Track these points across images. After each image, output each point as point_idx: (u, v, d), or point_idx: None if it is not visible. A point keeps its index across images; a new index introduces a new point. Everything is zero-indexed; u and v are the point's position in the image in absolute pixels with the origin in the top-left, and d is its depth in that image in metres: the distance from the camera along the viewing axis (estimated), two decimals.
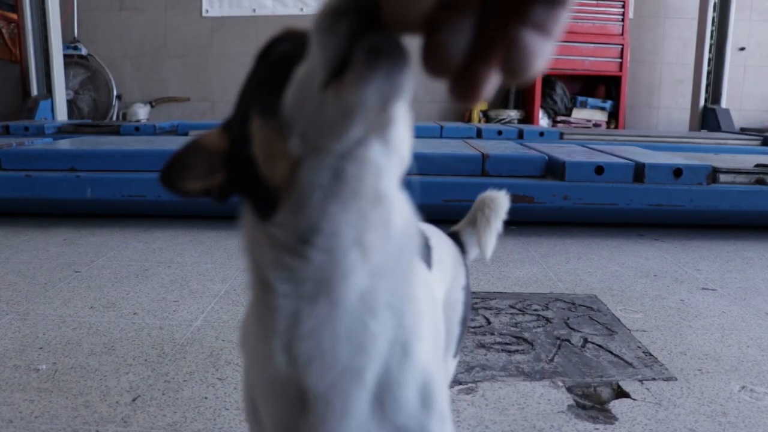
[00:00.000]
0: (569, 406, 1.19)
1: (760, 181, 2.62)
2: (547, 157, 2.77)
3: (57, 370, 1.32)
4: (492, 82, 0.32)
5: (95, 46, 5.97)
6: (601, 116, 5.90)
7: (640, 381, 1.29)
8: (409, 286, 0.49)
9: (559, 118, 5.88)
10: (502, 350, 1.44)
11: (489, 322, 1.61)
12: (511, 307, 1.74)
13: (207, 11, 6.15)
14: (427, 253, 0.69)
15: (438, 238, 0.82)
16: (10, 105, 5.27)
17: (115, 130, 4.14)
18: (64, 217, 2.82)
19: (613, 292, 1.89)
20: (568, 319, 1.65)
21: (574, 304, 1.77)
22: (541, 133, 4.24)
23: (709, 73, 5.36)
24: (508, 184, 2.54)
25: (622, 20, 5.73)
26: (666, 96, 6.27)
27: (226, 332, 1.53)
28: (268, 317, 0.47)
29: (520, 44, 0.30)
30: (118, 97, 5.96)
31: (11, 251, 2.29)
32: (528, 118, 5.87)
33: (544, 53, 0.30)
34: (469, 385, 1.27)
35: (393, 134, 0.41)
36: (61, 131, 4.16)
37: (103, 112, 5.88)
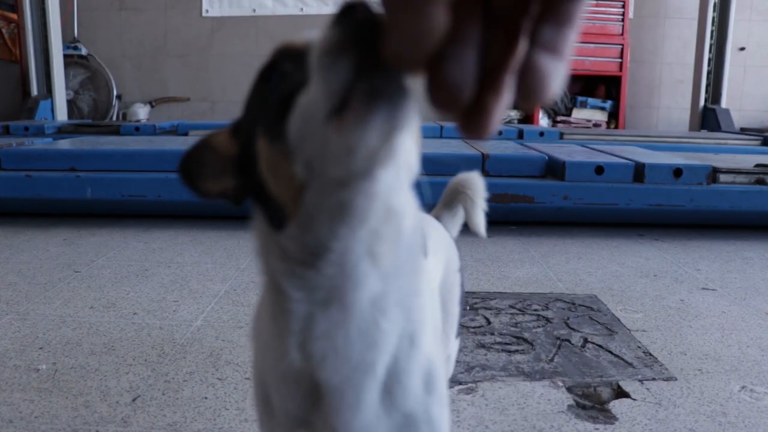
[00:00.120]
0: (569, 406, 1.19)
1: (760, 181, 2.62)
2: (547, 157, 2.77)
3: (57, 370, 1.32)
4: (502, 113, 0.31)
5: (95, 46, 5.98)
6: (601, 116, 5.90)
7: (640, 381, 1.29)
8: (416, 282, 0.50)
9: (559, 118, 5.89)
10: (502, 350, 1.44)
11: (489, 322, 1.61)
12: (511, 307, 1.74)
13: (207, 11, 6.15)
14: (423, 241, 0.70)
15: (430, 224, 0.85)
16: (10, 105, 5.27)
17: (115, 130, 4.14)
18: (64, 217, 2.82)
19: (613, 292, 1.89)
20: (568, 319, 1.65)
21: (574, 304, 1.77)
22: (541, 133, 4.24)
23: (709, 73, 5.36)
24: (508, 184, 2.56)
25: (622, 20, 5.73)
26: (666, 96, 6.27)
27: (226, 332, 1.53)
28: (283, 317, 0.48)
29: (535, 67, 0.30)
30: (118, 97, 5.96)
31: (11, 251, 2.29)
32: (528, 118, 5.87)
33: (558, 75, 0.30)
34: (469, 385, 1.27)
35: (399, 154, 0.40)
36: (61, 131, 4.16)
37: (103, 112, 5.89)
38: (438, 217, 0.99)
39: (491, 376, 1.31)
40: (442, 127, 4.24)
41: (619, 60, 5.76)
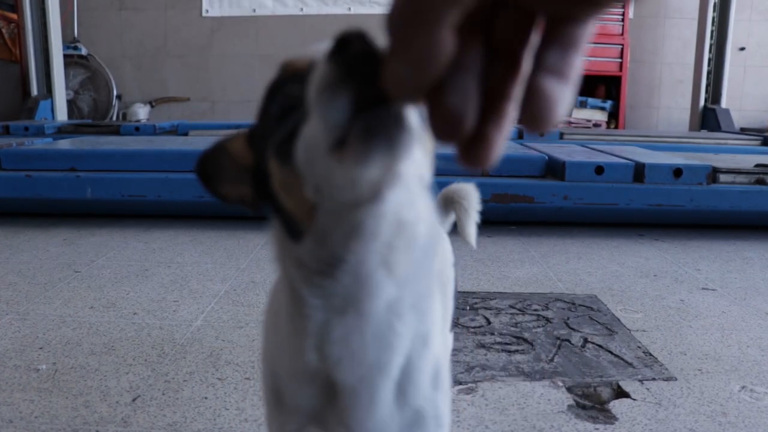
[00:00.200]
0: (569, 406, 1.19)
1: (760, 181, 2.62)
2: (547, 157, 2.77)
3: (57, 370, 1.32)
4: (503, 143, 0.31)
5: (95, 46, 5.98)
6: (601, 116, 5.90)
7: (640, 381, 1.29)
8: (430, 285, 0.51)
9: None
10: (502, 350, 1.44)
11: (489, 322, 1.61)
12: (511, 307, 1.74)
13: (207, 11, 6.15)
14: (437, 242, 0.71)
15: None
16: (10, 105, 5.27)
17: (115, 130, 4.14)
18: (64, 217, 2.82)
19: (613, 292, 1.89)
20: (568, 319, 1.65)
21: (574, 304, 1.77)
22: (541, 133, 4.24)
23: (709, 73, 5.36)
24: (508, 184, 2.56)
25: (622, 20, 5.73)
26: (666, 96, 6.27)
27: (226, 332, 1.53)
28: (300, 320, 0.49)
29: (541, 92, 0.29)
30: (118, 97, 5.96)
31: (11, 251, 2.29)
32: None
33: (565, 99, 0.29)
34: (469, 385, 1.27)
35: (405, 175, 0.41)
36: (61, 131, 4.16)
37: (103, 112, 5.89)
38: None
39: (491, 376, 1.31)
40: None
41: (619, 60, 5.76)
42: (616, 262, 2.24)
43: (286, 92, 0.43)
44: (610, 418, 1.15)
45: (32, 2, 4.84)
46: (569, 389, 1.25)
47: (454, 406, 1.16)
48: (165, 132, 4.33)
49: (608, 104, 5.92)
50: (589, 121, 5.87)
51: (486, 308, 1.72)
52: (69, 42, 5.67)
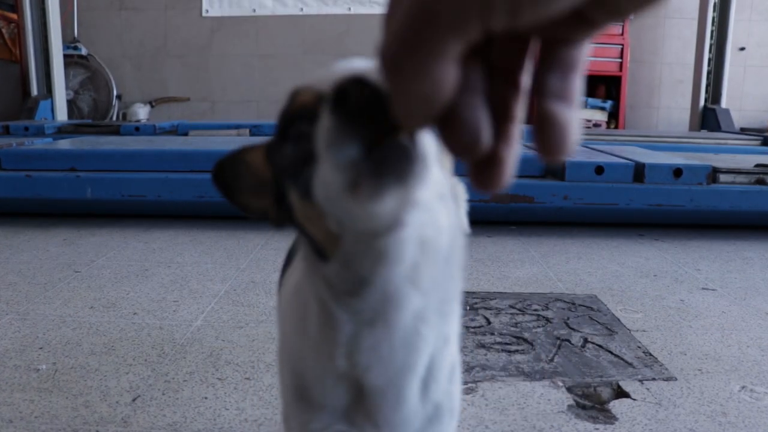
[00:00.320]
0: (569, 406, 1.19)
1: (760, 181, 2.62)
2: None
3: (57, 370, 1.32)
4: (514, 164, 0.31)
5: (95, 46, 5.98)
6: (601, 116, 5.91)
7: (640, 381, 1.29)
8: (454, 289, 0.52)
9: None
10: (502, 350, 1.44)
11: (489, 322, 1.61)
12: (511, 307, 1.74)
13: (207, 11, 6.15)
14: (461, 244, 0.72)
15: None
16: (10, 105, 5.27)
17: (115, 130, 4.14)
18: (64, 217, 2.82)
19: (613, 292, 1.89)
20: (568, 319, 1.65)
21: (574, 304, 1.77)
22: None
23: (709, 73, 5.36)
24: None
25: (622, 20, 5.73)
26: (666, 96, 6.27)
27: (226, 332, 1.53)
28: (330, 330, 0.50)
29: (551, 118, 0.29)
30: (118, 97, 5.96)
31: (11, 251, 2.29)
32: (528, 118, 5.87)
33: (575, 123, 0.29)
34: (469, 385, 1.27)
35: (423, 195, 0.41)
36: (61, 131, 4.16)
37: (103, 112, 5.89)
38: None
39: (491, 376, 1.31)
40: None
41: (619, 60, 5.76)
42: (616, 262, 2.24)
43: (299, 130, 0.43)
44: (610, 418, 1.15)
45: (32, 2, 4.84)
46: (569, 389, 1.25)
47: None
48: (165, 132, 4.33)
49: (608, 104, 5.92)
50: (589, 121, 5.87)
51: (486, 308, 1.72)
52: (69, 42, 5.67)
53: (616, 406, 1.19)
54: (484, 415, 1.15)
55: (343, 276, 0.46)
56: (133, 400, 1.19)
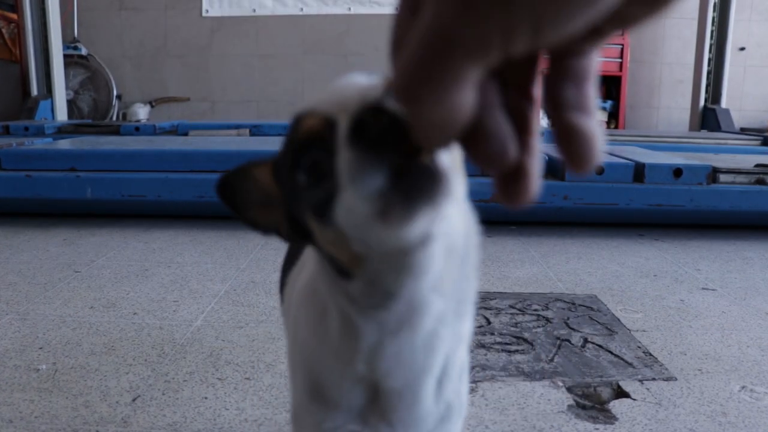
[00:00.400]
0: (569, 406, 1.19)
1: (760, 181, 2.62)
2: (547, 157, 2.77)
3: (57, 370, 1.32)
4: (539, 177, 0.30)
5: (95, 46, 5.98)
6: (601, 116, 5.91)
7: (640, 381, 1.29)
8: (470, 288, 0.52)
9: None
10: (502, 350, 1.44)
11: (489, 322, 1.61)
12: (511, 307, 1.74)
13: (207, 11, 6.15)
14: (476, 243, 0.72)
15: None
16: (10, 105, 5.27)
17: (115, 130, 4.14)
18: (64, 217, 2.82)
19: (613, 292, 1.89)
20: (568, 319, 1.65)
21: (574, 304, 1.77)
22: (542, 133, 4.24)
23: (709, 73, 5.36)
24: None
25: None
26: (666, 96, 6.27)
27: (226, 332, 1.53)
28: (351, 337, 0.50)
29: (574, 129, 0.28)
30: (118, 97, 5.96)
31: (11, 251, 2.29)
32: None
33: (598, 131, 0.29)
34: (469, 385, 1.27)
35: (449, 209, 0.41)
36: (61, 131, 4.16)
37: (103, 112, 5.89)
38: None
39: (491, 376, 1.31)
40: None
41: (619, 60, 5.76)
42: (616, 262, 2.24)
43: (311, 159, 0.43)
44: (610, 418, 1.15)
45: (32, 2, 4.84)
46: (569, 389, 1.25)
47: None
48: (165, 132, 4.33)
49: (608, 104, 5.92)
50: None
51: (486, 308, 1.72)
52: (69, 42, 5.67)
53: (616, 406, 1.19)
54: (484, 415, 1.15)
55: (369, 292, 0.46)
56: (133, 400, 1.19)
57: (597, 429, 1.11)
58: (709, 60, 5.36)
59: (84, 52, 5.82)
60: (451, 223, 0.44)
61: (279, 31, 6.13)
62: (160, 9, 6.17)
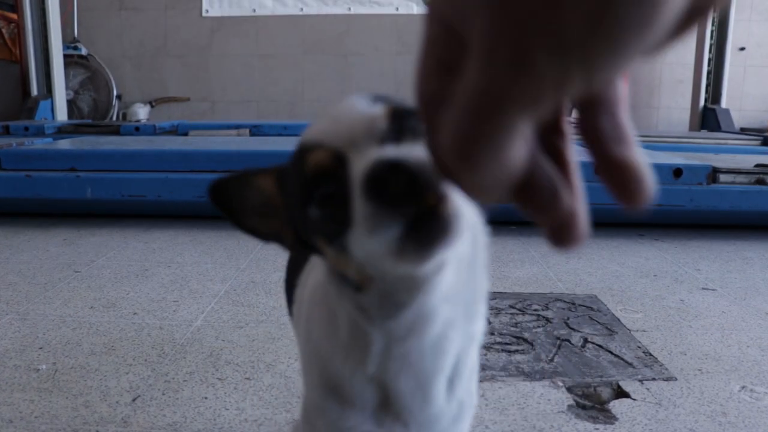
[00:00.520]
0: (569, 406, 1.19)
1: (760, 181, 2.62)
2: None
3: (57, 370, 1.32)
4: (587, 213, 0.29)
5: (95, 46, 5.98)
6: None
7: (640, 381, 1.29)
8: (478, 290, 0.53)
9: None
10: (502, 350, 1.44)
11: (489, 322, 1.61)
12: (511, 307, 1.74)
13: (207, 11, 6.15)
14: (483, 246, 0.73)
15: None
16: (10, 105, 5.26)
17: (115, 130, 4.14)
18: (64, 217, 2.82)
19: (613, 292, 1.89)
20: (568, 319, 1.65)
21: (574, 304, 1.77)
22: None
23: (709, 73, 5.37)
24: None
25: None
26: (666, 96, 6.27)
27: (226, 332, 1.53)
28: (361, 342, 0.51)
29: (620, 164, 0.27)
30: (118, 97, 5.96)
31: (11, 251, 2.29)
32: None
33: (644, 162, 0.27)
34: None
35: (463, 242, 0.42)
36: (61, 131, 4.16)
37: (103, 112, 5.89)
38: None
39: (491, 376, 1.31)
40: None
41: None
42: (616, 262, 2.24)
43: (323, 194, 0.43)
44: (610, 418, 1.15)
45: (32, 2, 4.84)
46: (569, 389, 1.25)
47: None
48: (165, 132, 4.33)
49: None
50: None
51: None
52: (69, 42, 5.67)
53: (616, 406, 1.19)
54: (484, 415, 1.15)
55: (379, 304, 0.47)
56: (133, 400, 1.19)
57: (597, 429, 1.11)
58: (709, 60, 5.36)
59: (84, 52, 5.82)
60: (466, 245, 0.46)
61: (279, 31, 6.13)
62: (160, 9, 6.17)
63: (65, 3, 5.52)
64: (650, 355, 1.43)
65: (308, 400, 0.60)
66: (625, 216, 2.73)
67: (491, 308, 1.72)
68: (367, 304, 0.48)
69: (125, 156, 2.79)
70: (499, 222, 2.73)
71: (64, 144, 3.30)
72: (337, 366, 0.54)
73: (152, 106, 6.21)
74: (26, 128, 4.01)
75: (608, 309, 1.73)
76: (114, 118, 5.91)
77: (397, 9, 6.00)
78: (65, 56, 5.34)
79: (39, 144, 3.27)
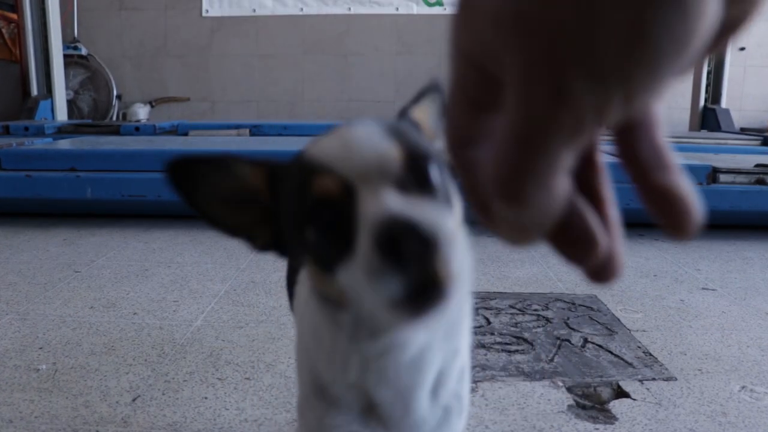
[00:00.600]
0: (569, 406, 1.19)
1: (760, 181, 2.62)
2: None
3: (57, 370, 1.32)
4: (624, 247, 0.28)
5: (95, 46, 5.98)
6: None
7: (640, 381, 1.29)
8: (464, 311, 0.53)
9: None
10: (502, 350, 1.44)
11: (489, 322, 1.61)
12: (511, 307, 1.74)
13: (207, 11, 6.15)
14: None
15: None
16: (10, 105, 5.26)
17: (115, 130, 4.14)
18: (64, 217, 2.82)
19: (613, 292, 1.89)
20: (568, 319, 1.65)
21: (574, 304, 1.77)
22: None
23: (709, 73, 5.37)
24: None
25: None
26: (666, 96, 6.26)
27: (226, 332, 1.53)
28: (341, 352, 0.52)
29: (668, 194, 0.26)
30: (118, 97, 5.96)
31: (11, 251, 2.29)
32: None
33: (690, 188, 0.26)
34: (471, 383, 1.27)
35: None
36: (61, 131, 4.16)
37: (103, 112, 5.89)
38: None
39: (491, 376, 1.31)
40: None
41: None
42: None
43: (325, 221, 0.43)
44: (610, 418, 1.15)
45: (32, 2, 4.84)
46: (569, 389, 1.25)
47: None
48: (165, 132, 4.32)
49: None
50: None
51: (486, 308, 1.72)
52: (69, 42, 5.67)
53: (616, 406, 1.19)
54: (484, 415, 1.15)
55: (354, 325, 0.48)
56: (133, 400, 1.19)
57: (597, 429, 1.11)
58: (709, 60, 5.36)
59: (84, 52, 5.82)
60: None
61: (279, 31, 6.13)
62: (160, 9, 6.17)
63: (65, 3, 5.52)
64: (650, 355, 1.43)
65: (301, 393, 0.61)
66: (625, 216, 2.73)
67: (491, 308, 1.72)
68: (344, 322, 0.48)
69: (125, 156, 2.79)
70: None
71: (64, 144, 3.30)
72: (322, 370, 0.55)
73: (152, 106, 6.21)
74: (26, 128, 4.01)
75: (608, 309, 1.73)
76: (114, 118, 5.91)
77: (397, 9, 6.00)
78: (65, 56, 5.34)
79: (39, 144, 3.27)
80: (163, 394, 1.22)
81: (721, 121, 5.15)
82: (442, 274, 0.36)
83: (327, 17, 6.09)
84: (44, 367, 1.33)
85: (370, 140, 0.42)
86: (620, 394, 1.24)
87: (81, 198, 2.63)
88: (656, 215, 0.27)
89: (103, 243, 2.41)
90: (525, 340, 1.50)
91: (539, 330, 1.57)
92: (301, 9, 6.10)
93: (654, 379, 1.31)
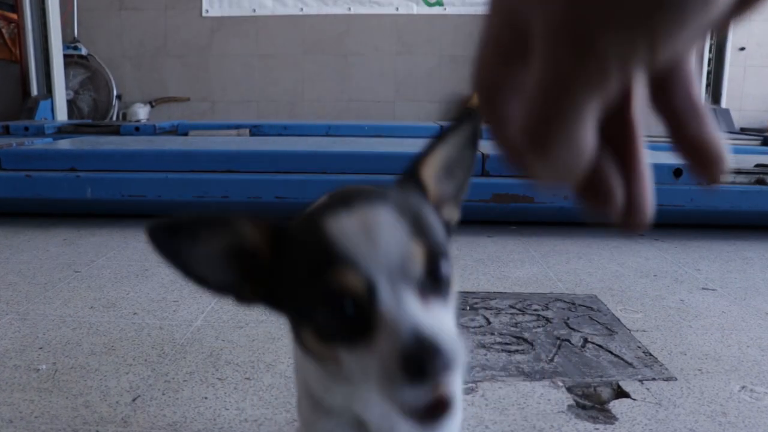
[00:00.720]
0: (569, 406, 1.19)
1: (760, 181, 2.62)
2: None
3: (57, 370, 1.32)
4: (652, 198, 0.30)
5: (95, 46, 5.98)
6: None
7: (640, 381, 1.29)
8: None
9: None
10: (502, 350, 1.44)
11: (489, 322, 1.61)
12: (511, 307, 1.74)
13: (207, 11, 6.15)
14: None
15: None
16: (10, 105, 5.26)
17: (115, 130, 4.13)
18: (64, 217, 2.82)
19: (613, 292, 1.89)
20: (568, 319, 1.65)
21: (574, 304, 1.77)
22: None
23: (709, 73, 5.37)
24: (509, 184, 2.55)
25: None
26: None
27: (226, 332, 1.53)
28: (328, 384, 0.54)
29: (703, 145, 0.28)
30: (118, 97, 5.96)
31: (11, 251, 2.29)
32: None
33: (720, 137, 0.28)
34: (469, 385, 1.27)
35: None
36: (61, 131, 4.15)
37: (103, 112, 5.88)
38: None
39: (491, 376, 1.31)
40: (442, 128, 4.23)
41: None
42: (616, 262, 2.24)
43: (340, 310, 0.44)
44: (610, 418, 1.15)
45: (32, 2, 4.84)
46: (569, 389, 1.25)
47: None
48: (165, 132, 4.32)
49: None
50: None
51: (486, 308, 1.72)
52: (69, 42, 5.67)
53: (616, 406, 1.19)
54: (484, 415, 1.15)
55: (339, 377, 0.50)
56: (133, 400, 1.19)
57: (597, 429, 1.11)
58: (709, 60, 5.36)
59: (84, 52, 5.82)
60: None
61: (279, 31, 6.13)
62: (160, 9, 6.17)
63: (65, 3, 5.52)
64: (650, 355, 1.43)
65: (299, 393, 0.62)
66: None
67: (491, 308, 1.72)
68: (327, 371, 0.51)
69: (125, 156, 2.79)
70: (499, 222, 2.73)
71: (64, 144, 3.30)
72: (312, 387, 0.57)
73: (152, 106, 6.21)
74: (26, 128, 4.01)
75: (608, 309, 1.73)
76: (114, 118, 5.91)
77: (397, 9, 6.00)
78: (65, 56, 5.34)
79: (39, 144, 3.27)
80: (163, 394, 1.22)
81: (721, 121, 5.15)
82: (450, 392, 0.41)
83: (327, 17, 6.09)
84: (44, 367, 1.33)
85: (393, 235, 0.43)
86: (620, 394, 1.24)
87: (81, 198, 2.63)
88: (690, 162, 0.28)
89: (103, 243, 2.41)
90: (525, 340, 1.50)
91: (539, 330, 1.57)
92: (301, 9, 6.10)
93: (654, 379, 1.31)
